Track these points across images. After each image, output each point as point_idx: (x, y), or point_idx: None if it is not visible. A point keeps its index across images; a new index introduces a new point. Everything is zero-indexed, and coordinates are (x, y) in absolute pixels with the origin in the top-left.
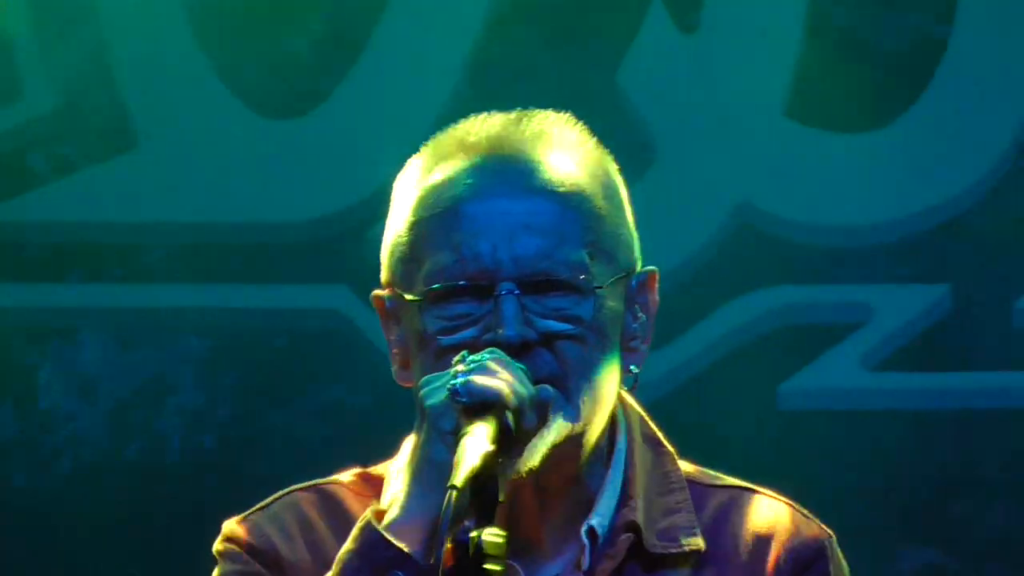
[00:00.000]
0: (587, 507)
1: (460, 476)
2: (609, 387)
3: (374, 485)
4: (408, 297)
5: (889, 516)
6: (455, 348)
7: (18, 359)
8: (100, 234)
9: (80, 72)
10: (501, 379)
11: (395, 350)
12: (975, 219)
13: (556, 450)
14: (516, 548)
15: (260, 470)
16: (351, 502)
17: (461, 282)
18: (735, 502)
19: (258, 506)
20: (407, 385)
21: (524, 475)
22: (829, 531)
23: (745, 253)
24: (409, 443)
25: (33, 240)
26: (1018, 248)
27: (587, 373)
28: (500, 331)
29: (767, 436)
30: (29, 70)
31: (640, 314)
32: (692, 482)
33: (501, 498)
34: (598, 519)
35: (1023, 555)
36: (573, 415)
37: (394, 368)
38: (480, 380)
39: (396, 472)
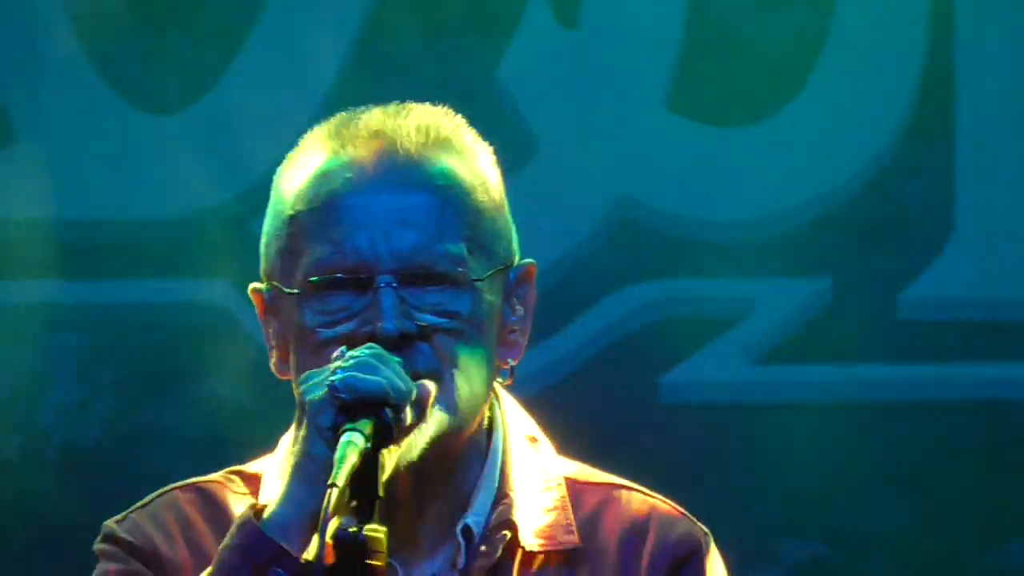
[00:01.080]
0: (464, 505)
1: (340, 474)
2: (486, 381)
3: (251, 483)
4: (287, 290)
5: (772, 509)
6: (334, 341)
7: None
8: None
9: None
10: (380, 376)
11: (273, 343)
12: (856, 211)
13: (434, 444)
14: (394, 546)
15: (142, 465)
16: (229, 500)
17: (339, 275)
18: (611, 499)
19: (137, 505)
20: (286, 377)
21: (404, 470)
22: (705, 529)
23: (626, 247)
24: (286, 441)
25: None
26: (900, 240)
27: (464, 367)
28: (379, 324)
29: (649, 429)
30: None
31: (518, 307)
32: (569, 479)
33: (380, 493)
34: (474, 517)
35: (904, 548)
36: (450, 410)
37: (272, 361)
38: (359, 377)
39: (274, 469)
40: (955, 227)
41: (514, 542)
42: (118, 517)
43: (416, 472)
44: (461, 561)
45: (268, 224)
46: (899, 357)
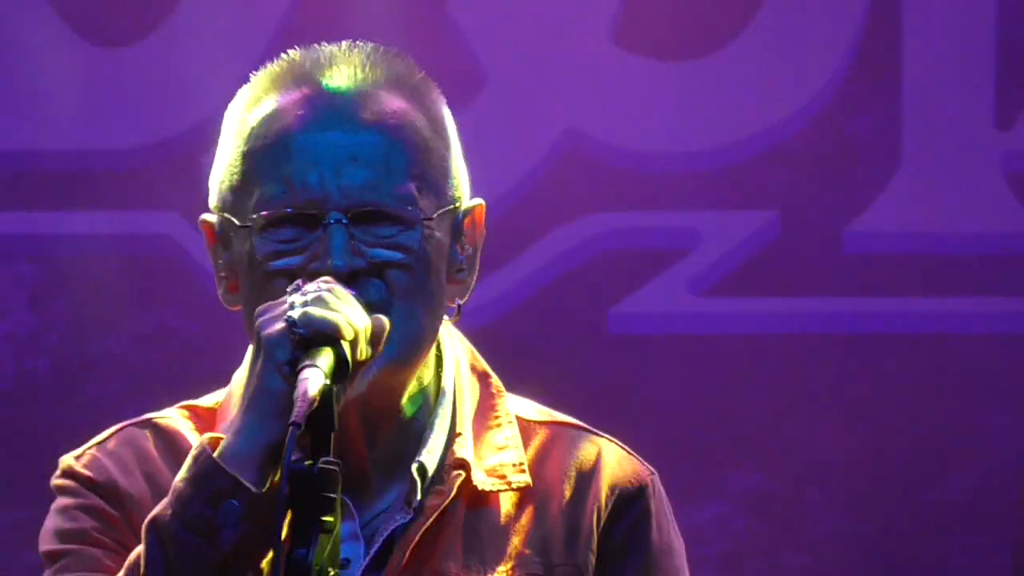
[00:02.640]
0: (414, 443)
1: (301, 412)
2: (435, 315)
3: (205, 418)
4: (238, 223)
5: (717, 439)
6: (283, 273)
7: None
8: None
9: None
10: (337, 310)
11: (222, 273)
12: (802, 145)
13: (384, 377)
14: (344, 482)
15: (93, 394)
16: (185, 435)
17: (288, 209)
18: (560, 439)
19: (94, 441)
20: (234, 308)
21: (353, 403)
22: (651, 468)
23: (574, 179)
24: (240, 375)
25: None
26: (847, 174)
27: (414, 301)
28: (329, 261)
29: (598, 360)
30: None
31: (467, 246)
32: (519, 417)
33: (336, 427)
34: (428, 456)
35: (845, 477)
36: (400, 343)
37: (220, 291)
38: (317, 312)
39: (229, 404)
40: (901, 161)
41: (467, 480)
42: (76, 453)
43: (366, 406)
44: (415, 499)
45: (220, 158)
46: (844, 290)
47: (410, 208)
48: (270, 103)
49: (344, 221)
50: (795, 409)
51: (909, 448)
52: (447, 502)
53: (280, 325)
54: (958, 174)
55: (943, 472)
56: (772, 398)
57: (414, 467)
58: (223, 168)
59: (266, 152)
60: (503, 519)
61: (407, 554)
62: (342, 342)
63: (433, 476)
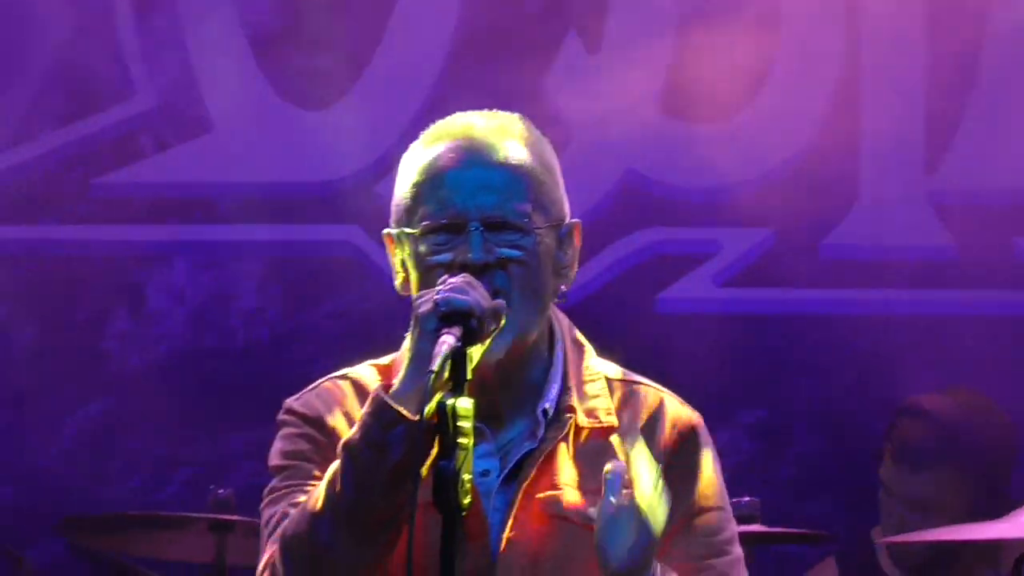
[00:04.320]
0: (534, 391)
1: (435, 363)
2: (545, 299)
3: (385, 371)
4: (408, 231)
5: (733, 386)
6: (438, 266)
7: (131, 278)
8: (188, 191)
9: (174, 80)
10: (469, 295)
11: (398, 270)
12: (791, 184)
13: (512, 345)
14: (481, 416)
15: (299, 355)
16: (370, 384)
17: (443, 220)
18: (633, 391)
19: (307, 389)
20: (405, 294)
21: (491, 363)
22: (698, 413)
23: (632, 205)
24: (406, 343)
25: (141, 196)
26: (821, 204)
27: (528, 287)
28: (469, 256)
29: (649, 331)
30: (139, 78)
31: (568, 251)
32: (604, 375)
33: (469, 377)
34: (548, 403)
35: (820, 414)
36: (519, 318)
37: (397, 283)
38: (454, 296)
39: (399, 361)
40: (859, 195)
41: (574, 421)
42: (295, 397)
43: (500, 365)
44: (540, 433)
45: (398, 189)
46: (820, 285)
47: (526, 220)
48: (433, 150)
49: (480, 228)
50: (786, 366)
51: (864, 391)
52: (561, 435)
53: (429, 305)
54: (898, 204)
55: (885, 410)
56: (770, 358)
57: (539, 411)
58: (400, 195)
59: (428, 183)
60: (598, 449)
61: (534, 470)
62: (471, 318)
63: (552, 417)
